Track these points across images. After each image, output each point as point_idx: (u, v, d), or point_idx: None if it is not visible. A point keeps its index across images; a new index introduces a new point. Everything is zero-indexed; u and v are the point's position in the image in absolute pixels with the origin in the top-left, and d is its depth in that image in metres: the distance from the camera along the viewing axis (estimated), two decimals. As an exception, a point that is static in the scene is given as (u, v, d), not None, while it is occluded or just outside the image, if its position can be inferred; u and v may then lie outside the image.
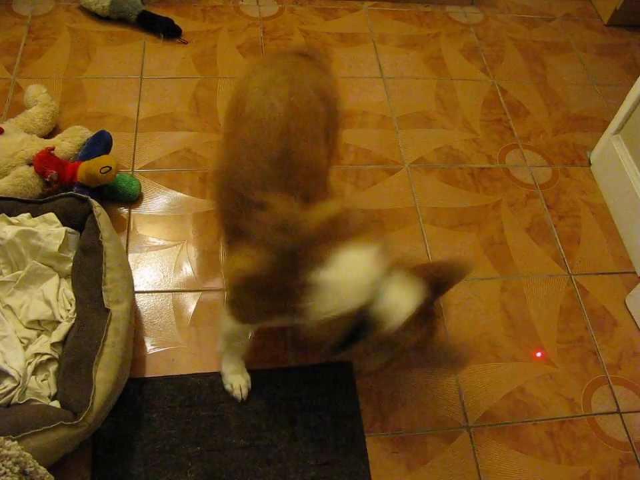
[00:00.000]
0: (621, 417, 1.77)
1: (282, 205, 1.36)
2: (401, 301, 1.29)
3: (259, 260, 1.35)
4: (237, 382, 1.66)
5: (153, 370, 1.68)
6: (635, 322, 1.95)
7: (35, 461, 1.15)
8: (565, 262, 2.06)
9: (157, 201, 2.01)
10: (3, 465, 1.03)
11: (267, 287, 1.37)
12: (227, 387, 1.66)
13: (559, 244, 2.10)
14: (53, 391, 1.51)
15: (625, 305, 1.99)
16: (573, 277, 2.03)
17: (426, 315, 1.34)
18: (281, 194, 1.37)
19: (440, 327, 1.40)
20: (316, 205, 1.39)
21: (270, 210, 1.35)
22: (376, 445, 1.63)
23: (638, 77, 2.09)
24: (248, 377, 1.68)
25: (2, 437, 1.11)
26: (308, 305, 1.30)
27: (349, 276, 1.30)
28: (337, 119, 1.66)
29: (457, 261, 1.55)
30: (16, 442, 1.12)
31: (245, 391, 1.66)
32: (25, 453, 1.10)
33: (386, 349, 1.34)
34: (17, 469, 1.06)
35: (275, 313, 1.44)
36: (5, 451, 1.06)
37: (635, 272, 2.07)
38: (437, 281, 1.35)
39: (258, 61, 1.67)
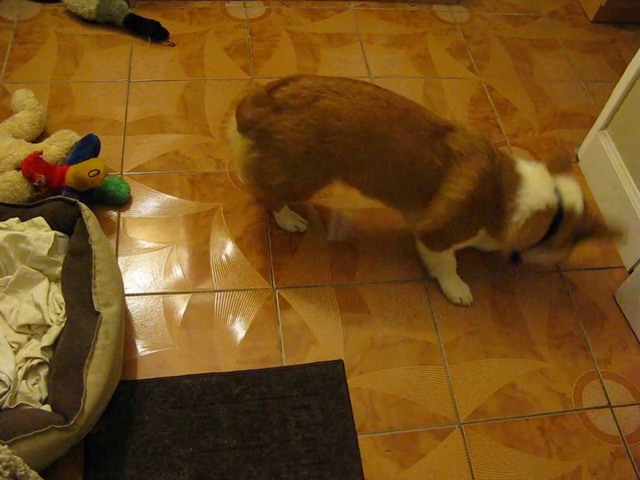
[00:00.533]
0: (612, 411, 1.78)
1: (457, 123, 1.69)
2: (574, 189, 1.72)
3: (476, 171, 1.62)
4: (461, 292, 1.92)
5: (144, 372, 1.68)
6: (625, 316, 1.96)
7: (26, 464, 1.15)
8: (554, 259, 2.07)
9: (146, 203, 2.01)
10: (-7, 469, 1.03)
11: (481, 198, 1.64)
12: (456, 300, 1.92)
13: (548, 240, 2.11)
14: (44, 395, 1.51)
15: (614, 299, 2.00)
16: (562, 272, 2.04)
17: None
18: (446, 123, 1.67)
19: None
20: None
21: (457, 128, 1.65)
22: (368, 443, 1.64)
23: (624, 73, 2.10)
24: (466, 286, 1.94)
25: (-8, 441, 1.11)
26: (517, 201, 1.64)
27: (539, 173, 1.69)
28: None
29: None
30: (6, 446, 1.12)
31: (470, 298, 1.92)
32: (15, 457, 1.10)
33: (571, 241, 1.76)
34: (7, 472, 1.05)
35: (480, 226, 1.72)
36: (-6, 455, 1.06)
37: (623, 267, 2.08)
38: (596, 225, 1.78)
39: None
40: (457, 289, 1.92)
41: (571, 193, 1.70)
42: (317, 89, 1.60)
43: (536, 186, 1.66)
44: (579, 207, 1.70)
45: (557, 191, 1.69)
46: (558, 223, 1.69)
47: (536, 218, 1.67)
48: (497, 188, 1.65)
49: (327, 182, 1.76)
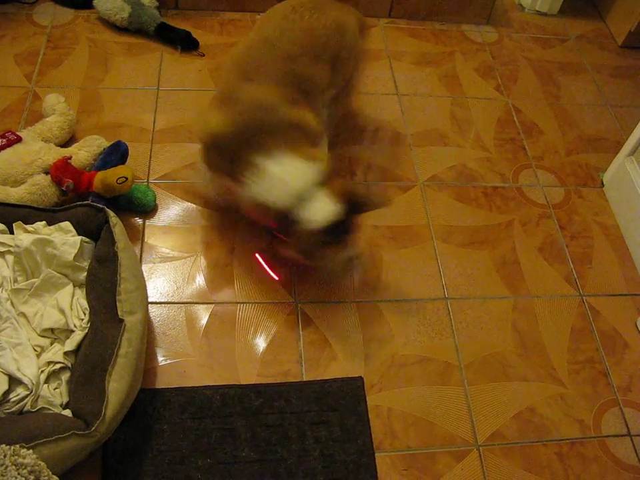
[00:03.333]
0: (632, 439, 1.76)
1: (275, 90, 1.67)
2: (321, 210, 1.61)
3: (232, 122, 1.62)
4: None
5: (164, 381, 1.68)
6: (646, 344, 1.95)
7: (48, 470, 1.15)
8: (576, 282, 2.06)
9: (171, 212, 2.02)
10: (19, 474, 1.04)
11: (224, 149, 1.65)
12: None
13: (571, 264, 2.10)
14: (65, 399, 1.52)
15: (636, 327, 1.98)
16: (584, 297, 2.03)
17: (341, 228, 1.64)
18: (277, 84, 1.68)
19: (351, 242, 1.71)
20: (301, 110, 1.70)
21: (263, 89, 1.66)
22: (385, 461, 1.63)
23: (653, 99, 2.10)
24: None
25: (17, 446, 1.12)
26: (247, 181, 1.62)
27: (286, 176, 1.61)
28: (351, 53, 1.91)
29: (377, 193, 1.89)
30: (31, 451, 1.12)
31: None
32: (39, 462, 1.11)
33: (300, 243, 1.66)
34: (32, 477, 1.06)
35: (224, 173, 1.71)
36: (20, 460, 1.06)
37: (646, 294, 2.07)
38: (355, 203, 1.64)
39: None
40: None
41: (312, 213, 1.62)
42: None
43: (269, 183, 1.63)
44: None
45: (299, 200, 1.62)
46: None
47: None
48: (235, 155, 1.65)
49: None
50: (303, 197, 1.61)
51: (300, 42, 1.74)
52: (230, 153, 1.65)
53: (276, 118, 1.64)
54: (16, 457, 1.06)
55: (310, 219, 1.60)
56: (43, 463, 1.12)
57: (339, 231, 1.64)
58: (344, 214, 1.63)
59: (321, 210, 1.61)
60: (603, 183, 2.35)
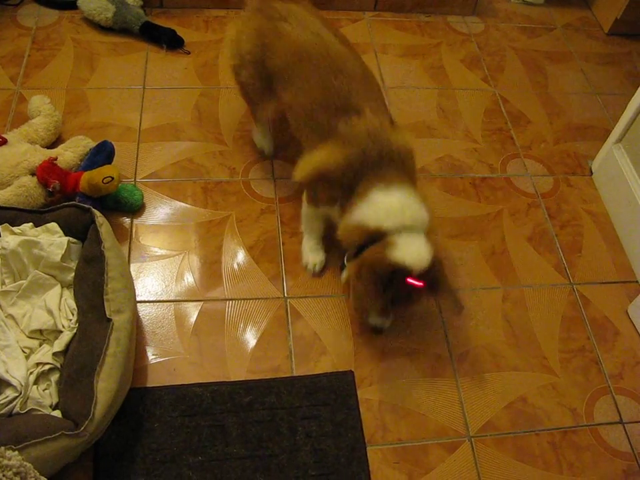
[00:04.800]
0: (624, 427, 1.76)
1: (375, 116, 1.65)
2: (419, 253, 1.57)
3: (343, 155, 1.62)
4: (313, 258, 1.92)
5: (154, 380, 1.68)
6: (637, 331, 1.94)
7: (36, 471, 1.15)
8: (566, 271, 2.06)
9: (159, 210, 2.01)
10: (4, 476, 1.03)
11: (337, 179, 1.64)
12: (304, 262, 1.92)
13: (561, 253, 2.10)
14: (55, 400, 1.52)
15: (627, 314, 1.98)
16: (574, 286, 2.03)
17: (431, 278, 1.59)
18: (371, 108, 1.66)
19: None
20: (398, 130, 1.70)
21: (365, 117, 1.64)
22: (377, 455, 1.63)
23: (639, 85, 2.09)
24: (323, 256, 1.93)
25: (3, 447, 1.11)
26: (351, 206, 1.62)
27: (389, 206, 1.59)
28: None
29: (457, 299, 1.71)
30: (17, 452, 1.12)
31: (318, 268, 1.92)
32: (25, 463, 1.10)
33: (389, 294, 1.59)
34: (17, 479, 1.06)
35: (334, 201, 1.70)
36: (5, 461, 1.06)
37: (636, 281, 2.07)
38: (434, 280, 1.60)
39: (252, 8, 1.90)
40: (311, 252, 1.92)
41: (409, 253, 1.56)
42: (289, 12, 1.80)
43: (380, 205, 1.59)
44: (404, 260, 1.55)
45: (400, 236, 1.58)
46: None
47: (359, 229, 1.62)
48: (358, 180, 1.62)
49: (266, 90, 1.90)
50: (410, 227, 1.59)
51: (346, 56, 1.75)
52: (342, 182, 1.64)
53: (384, 142, 1.63)
54: (0, 459, 1.05)
55: (405, 257, 1.55)
56: (29, 464, 1.11)
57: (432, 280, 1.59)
58: (431, 270, 1.58)
59: (422, 251, 1.58)
60: (591, 171, 2.35)
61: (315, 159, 1.68)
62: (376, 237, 1.59)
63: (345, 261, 1.73)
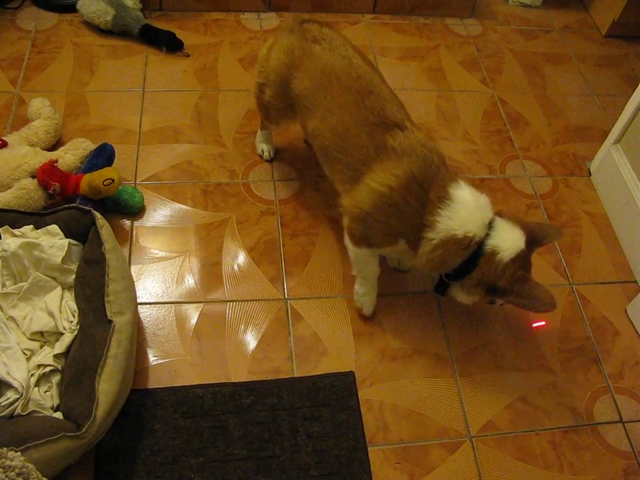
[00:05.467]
0: (624, 426, 1.77)
1: (416, 127, 1.66)
2: (510, 239, 1.57)
3: (402, 169, 1.57)
4: (367, 301, 1.85)
5: (155, 381, 1.68)
6: (637, 331, 1.95)
7: (38, 472, 1.15)
8: (565, 271, 2.07)
9: (160, 212, 2.02)
10: (7, 477, 1.04)
11: (403, 201, 1.57)
12: (358, 305, 1.86)
13: (560, 254, 2.11)
14: (56, 402, 1.52)
15: (626, 314, 1.99)
16: (573, 286, 2.04)
17: (523, 262, 1.59)
18: (409, 121, 1.66)
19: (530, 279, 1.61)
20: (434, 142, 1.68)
21: (409, 129, 1.62)
22: (378, 455, 1.63)
23: (636, 87, 2.10)
24: (375, 298, 1.86)
25: (5, 448, 1.11)
26: (437, 218, 1.55)
27: (474, 202, 1.57)
28: None
29: (553, 225, 1.85)
30: (19, 453, 1.12)
31: (372, 310, 1.87)
32: (28, 464, 1.11)
33: (482, 287, 1.60)
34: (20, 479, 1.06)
35: (400, 234, 1.62)
36: (8, 462, 1.06)
37: (635, 281, 2.07)
38: (534, 236, 1.62)
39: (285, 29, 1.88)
40: (365, 295, 1.84)
41: (505, 240, 1.57)
42: (322, 35, 1.78)
43: (461, 212, 1.55)
44: (503, 255, 1.55)
45: (489, 229, 1.57)
46: (475, 262, 1.58)
47: (449, 242, 1.55)
48: (423, 198, 1.56)
49: (288, 111, 1.89)
50: (491, 225, 1.58)
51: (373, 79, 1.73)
52: (405, 202, 1.57)
53: (434, 148, 1.63)
54: (3, 460, 1.06)
55: (505, 246, 1.56)
56: (31, 465, 1.12)
57: (522, 264, 1.60)
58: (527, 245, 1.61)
59: (512, 238, 1.58)
60: (590, 172, 2.36)
61: (374, 182, 1.60)
62: (475, 243, 1.56)
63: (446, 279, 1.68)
